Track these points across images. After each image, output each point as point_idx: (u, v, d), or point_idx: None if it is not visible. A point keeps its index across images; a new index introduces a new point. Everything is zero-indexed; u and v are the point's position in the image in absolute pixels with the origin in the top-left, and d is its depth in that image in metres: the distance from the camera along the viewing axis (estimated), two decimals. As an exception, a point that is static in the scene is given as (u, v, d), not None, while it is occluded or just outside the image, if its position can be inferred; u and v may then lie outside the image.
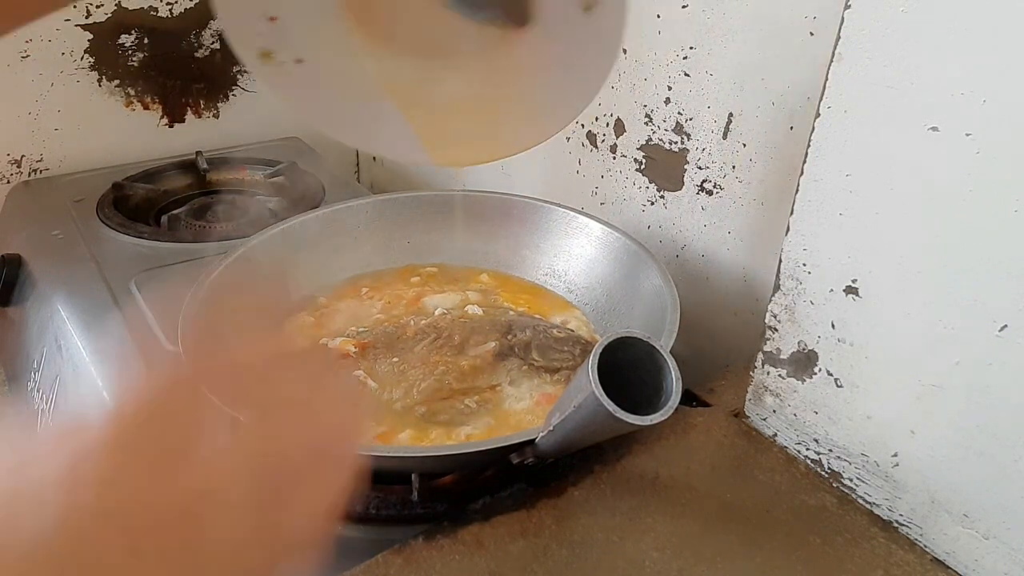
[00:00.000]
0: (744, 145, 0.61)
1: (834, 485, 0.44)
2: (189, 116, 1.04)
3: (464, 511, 0.43)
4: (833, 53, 0.37)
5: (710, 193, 0.65)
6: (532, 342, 0.57)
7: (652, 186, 0.71)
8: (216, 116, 1.06)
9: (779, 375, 0.46)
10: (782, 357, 0.45)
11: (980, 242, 0.34)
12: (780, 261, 0.43)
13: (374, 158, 1.18)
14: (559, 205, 0.69)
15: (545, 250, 0.70)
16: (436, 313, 0.64)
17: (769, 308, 0.45)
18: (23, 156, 0.95)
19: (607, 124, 0.73)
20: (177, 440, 0.20)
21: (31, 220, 0.86)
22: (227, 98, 1.06)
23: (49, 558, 0.16)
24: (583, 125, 0.76)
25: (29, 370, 0.71)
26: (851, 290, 0.40)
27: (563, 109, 0.36)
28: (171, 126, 1.03)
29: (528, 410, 0.54)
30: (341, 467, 0.24)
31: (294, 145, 1.07)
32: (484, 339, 0.58)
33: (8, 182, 0.94)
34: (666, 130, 0.67)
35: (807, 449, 0.45)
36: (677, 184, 0.68)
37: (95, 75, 0.96)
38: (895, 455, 0.40)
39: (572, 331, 0.60)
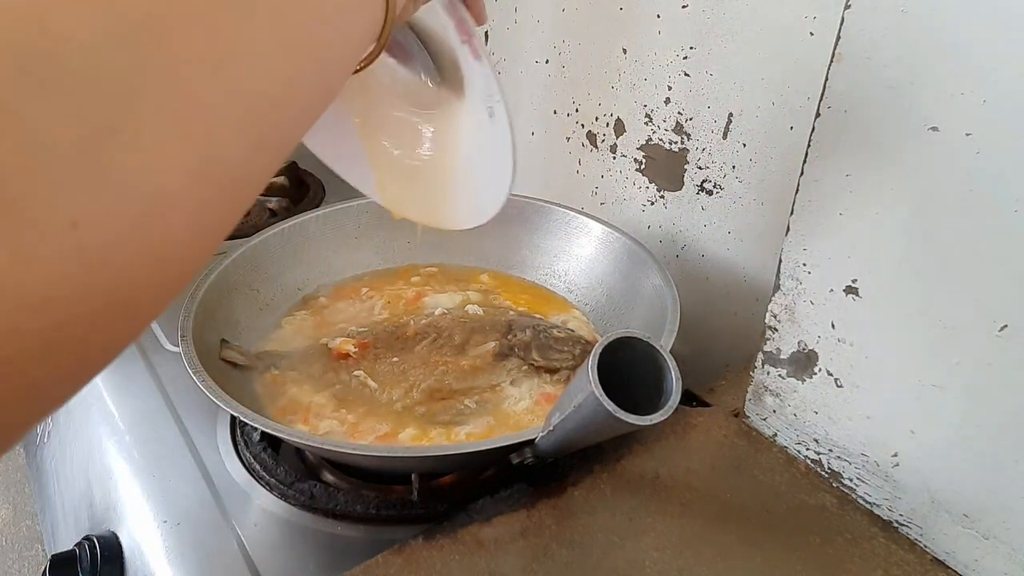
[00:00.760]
0: (744, 145, 0.61)
1: (834, 485, 0.44)
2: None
3: (464, 511, 0.43)
4: (833, 53, 0.37)
5: (710, 193, 0.65)
6: (532, 342, 0.57)
7: (652, 186, 0.71)
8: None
9: (779, 375, 0.46)
10: (782, 357, 0.45)
11: (980, 242, 0.34)
12: (780, 261, 0.43)
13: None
14: (559, 205, 0.69)
15: (545, 250, 0.70)
16: (436, 313, 0.64)
17: (769, 308, 0.45)
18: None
19: (607, 124, 0.73)
20: None
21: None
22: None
23: None
24: (583, 125, 0.76)
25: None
26: (851, 290, 0.40)
27: (486, 205, 0.42)
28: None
29: (528, 410, 0.54)
30: None
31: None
32: (484, 339, 0.58)
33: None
34: (666, 130, 0.67)
35: (807, 449, 0.45)
36: (677, 184, 0.68)
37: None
38: (895, 455, 0.40)
39: (572, 331, 0.60)
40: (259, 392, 0.56)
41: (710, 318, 0.69)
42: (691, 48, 0.62)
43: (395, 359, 0.57)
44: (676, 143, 0.66)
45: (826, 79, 0.38)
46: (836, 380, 0.42)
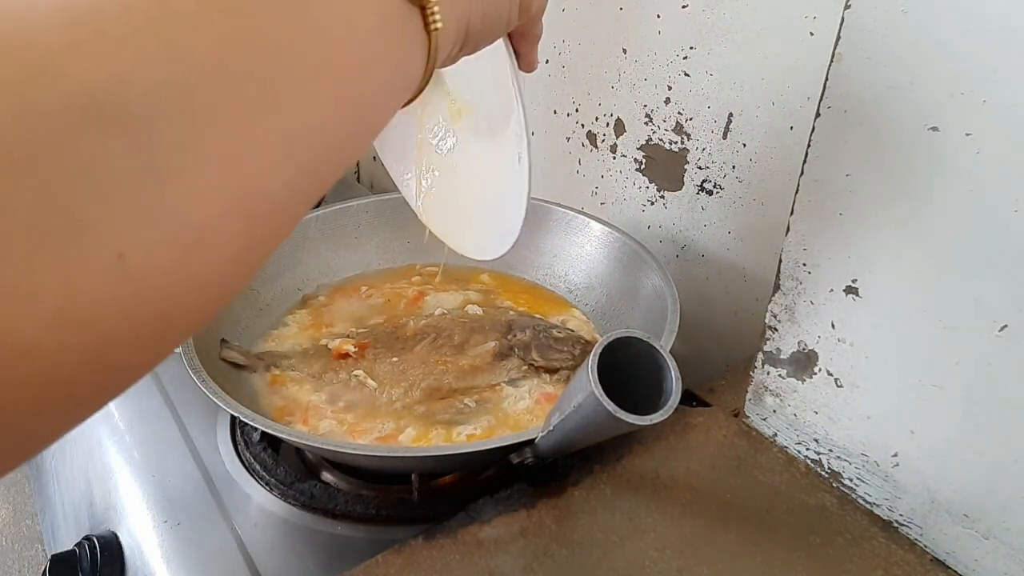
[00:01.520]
0: (744, 145, 0.61)
1: (834, 485, 0.44)
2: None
3: (464, 511, 0.43)
4: (833, 53, 0.37)
5: (710, 193, 0.65)
6: (532, 342, 0.57)
7: (652, 186, 0.71)
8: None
9: (779, 375, 0.46)
10: (782, 357, 0.45)
11: (980, 242, 0.34)
12: (780, 261, 0.43)
13: (374, 158, 1.18)
14: (559, 205, 0.69)
15: (545, 250, 0.70)
16: (436, 313, 0.64)
17: (769, 308, 0.45)
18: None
19: (607, 124, 0.73)
20: None
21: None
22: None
23: None
24: (583, 125, 0.76)
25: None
26: (851, 290, 0.40)
27: (500, 240, 0.45)
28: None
29: (528, 410, 0.54)
30: None
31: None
32: (484, 339, 0.58)
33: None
34: (666, 130, 0.67)
35: (807, 449, 0.45)
36: (677, 184, 0.68)
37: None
38: (895, 455, 0.40)
39: (572, 331, 0.60)
40: (259, 392, 0.56)
41: (710, 318, 0.69)
42: (691, 48, 0.62)
43: (395, 359, 0.57)
44: (676, 143, 0.66)
45: (826, 79, 0.38)
46: (836, 380, 0.42)
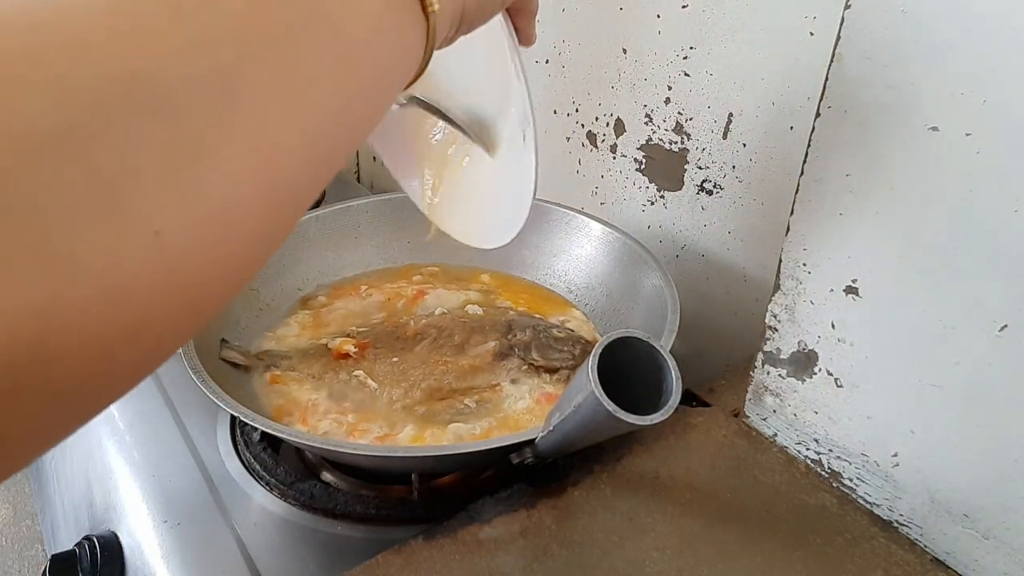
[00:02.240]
0: (744, 145, 0.61)
1: (834, 485, 0.44)
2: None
3: (464, 511, 0.43)
4: (833, 53, 0.37)
5: (710, 193, 0.65)
6: (532, 342, 0.57)
7: (652, 186, 0.71)
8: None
9: (779, 375, 0.46)
10: (782, 357, 0.45)
11: (980, 242, 0.34)
12: (780, 261, 0.43)
13: (374, 158, 1.18)
14: (559, 205, 0.69)
15: (545, 250, 0.70)
16: (436, 313, 0.64)
17: (769, 308, 0.45)
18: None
19: (607, 124, 0.73)
20: None
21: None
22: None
23: None
24: (583, 125, 0.76)
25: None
26: (851, 290, 0.40)
27: (508, 227, 0.45)
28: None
29: (528, 410, 0.54)
30: None
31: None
32: (484, 339, 0.58)
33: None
34: (666, 130, 0.67)
35: (807, 449, 0.45)
36: (677, 184, 0.68)
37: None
38: (895, 455, 0.40)
39: (572, 331, 0.60)
40: (259, 392, 0.56)
41: (710, 318, 0.69)
42: (691, 48, 0.62)
43: (395, 359, 0.57)
44: (676, 143, 0.66)
45: (826, 79, 0.38)
46: (836, 380, 0.42)
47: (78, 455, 0.62)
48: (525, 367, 0.57)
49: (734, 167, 0.62)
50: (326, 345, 0.60)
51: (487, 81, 0.41)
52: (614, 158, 0.74)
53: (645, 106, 0.68)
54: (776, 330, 0.45)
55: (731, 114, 0.61)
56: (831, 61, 0.38)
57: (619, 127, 0.72)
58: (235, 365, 0.56)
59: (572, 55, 0.74)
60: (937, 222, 0.35)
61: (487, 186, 0.46)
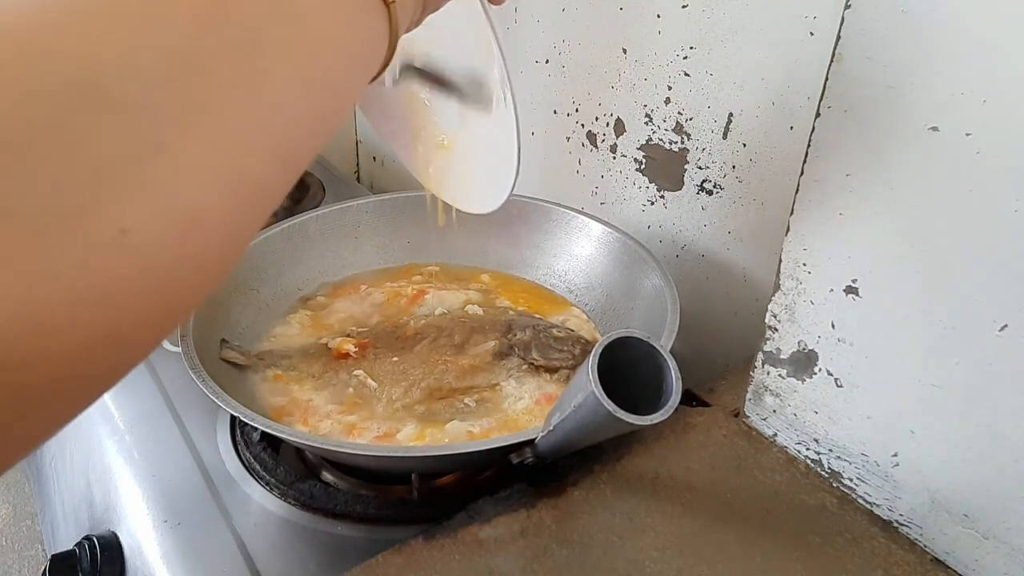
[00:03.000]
0: (744, 145, 0.61)
1: (834, 485, 0.44)
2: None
3: (464, 511, 0.43)
4: (833, 53, 0.37)
5: (710, 193, 0.65)
6: (532, 341, 0.57)
7: (652, 186, 0.71)
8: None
9: (779, 375, 0.46)
10: (782, 357, 0.45)
11: (980, 242, 0.34)
12: (780, 261, 0.43)
13: (374, 158, 1.18)
14: (559, 205, 0.69)
15: (545, 250, 0.70)
16: (436, 313, 0.64)
17: (769, 308, 0.45)
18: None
19: (607, 124, 0.73)
20: None
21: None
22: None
23: None
24: (583, 125, 0.76)
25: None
26: (851, 290, 0.40)
27: (500, 190, 0.46)
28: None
29: (528, 410, 0.54)
30: None
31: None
32: (484, 338, 0.58)
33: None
34: (666, 130, 0.67)
35: (807, 449, 0.45)
36: (677, 184, 0.68)
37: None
38: (895, 455, 0.40)
39: (572, 331, 0.60)
40: (259, 392, 0.56)
41: (710, 318, 0.69)
42: (691, 48, 0.62)
43: (395, 359, 0.57)
44: (676, 143, 0.66)
45: (826, 79, 0.38)
46: (836, 380, 0.42)
47: (78, 455, 0.62)
48: (525, 367, 0.57)
49: (734, 167, 0.62)
50: (326, 345, 0.60)
51: (474, 44, 0.42)
52: (614, 158, 0.74)
53: (645, 106, 0.68)
54: (776, 330, 0.45)
55: (731, 114, 0.61)
56: (831, 61, 0.38)
57: (619, 127, 0.72)
58: (235, 365, 0.56)
59: (572, 55, 0.74)
60: (937, 222, 0.35)
61: (479, 151, 0.47)
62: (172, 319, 0.19)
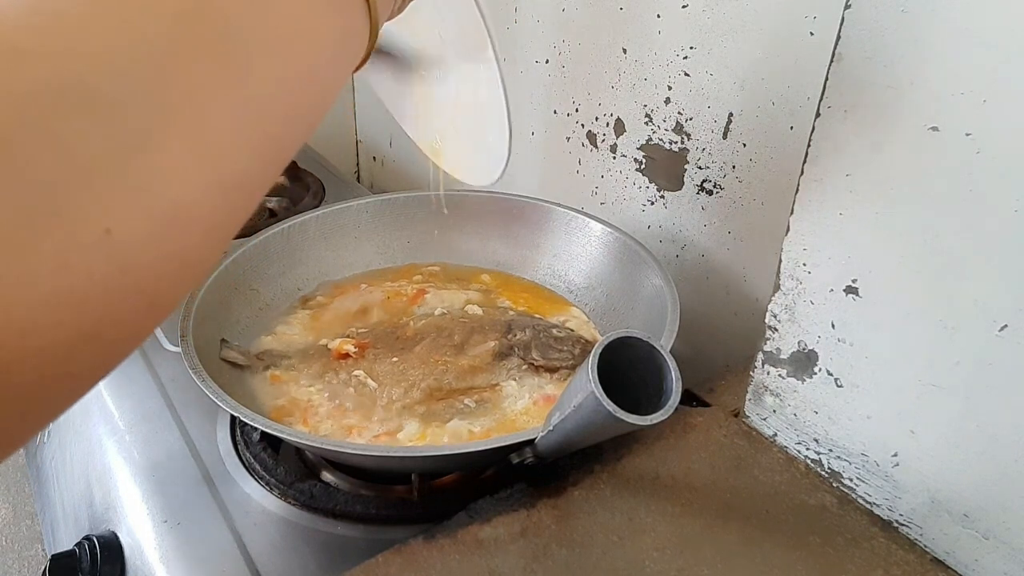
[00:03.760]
0: (744, 145, 0.61)
1: (834, 485, 0.44)
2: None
3: (464, 511, 0.43)
4: (833, 53, 0.37)
5: (710, 193, 0.65)
6: (532, 341, 0.57)
7: (652, 186, 0.71)
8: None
9: (779, 375, 0.46)
10: (782, 357, 0.45)
11: (980, 242, 0.34)
12: (780, 261, 0.43)
13: (374, 158, 1.18)
14: (559, 205, 0.69)
15: (545, 250, 0.70)
16: (436, 313, 0.64)
17: (769, 308, 0.45)
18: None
19: (607, 124, 0.73)
20: None
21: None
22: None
23: None
24: (583, 125, 0.76)
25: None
26: (851, 290, 0.40)
27: (496, 159, 0.47)
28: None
29: (528, 410, 0.54)
30: None
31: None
32: (484, 338, 0.58)
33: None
34: (666, 130, 0.67)
35: (807, 449, 0.45)
36: (677, 184, 0.68)
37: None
38: (895, 455, 0.40)
39: (572, 331, 0.60)
40: (259, 392, 0.56)
41: (710, 318, 0.69)
42: (691, 48, 0.62)
43: (395, 359, 0.57)
44: (676, 143, 0.66)
45: (826, 79, 0.38)
46: (836, 380, 0.42)
47: (78, 455, 0.62)
48: (525, 367, 0.57)
49: (734, 167, 0.62)
50: (326, 345, 0.60)
51: (459, 14, 0.42)
52: (614, 158, 0.74)
53: (645, 106, 0.68)
54: (776, 330, 0.45)
55: (731, 114, 0.61)
56: (831, 61, 0.38)
57: (619, 127, 0.72)
58: (235, 365, 0.56)
59: (572, 55, 0.74)
60: (937, 222, 0.35)
61: (475, 117, 0.47)
62: (155, 316, 0.19)
